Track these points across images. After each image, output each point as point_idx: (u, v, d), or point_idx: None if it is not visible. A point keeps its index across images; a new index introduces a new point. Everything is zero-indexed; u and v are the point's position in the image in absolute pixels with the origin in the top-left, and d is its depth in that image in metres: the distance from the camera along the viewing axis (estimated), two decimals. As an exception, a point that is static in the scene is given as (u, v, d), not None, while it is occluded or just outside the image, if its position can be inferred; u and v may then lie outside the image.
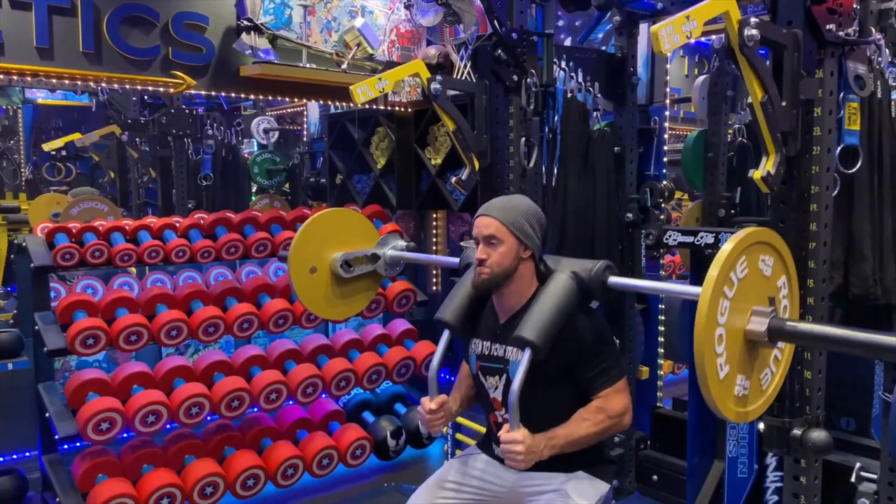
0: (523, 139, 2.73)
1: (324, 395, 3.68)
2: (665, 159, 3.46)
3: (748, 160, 3.49)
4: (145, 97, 5.58)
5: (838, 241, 2.16)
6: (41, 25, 3.26)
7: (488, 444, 2.30)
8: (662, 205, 3.44)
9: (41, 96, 7.99)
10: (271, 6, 3.93)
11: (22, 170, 8.10)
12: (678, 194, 4.97)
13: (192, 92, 4.09)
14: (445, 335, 2.22)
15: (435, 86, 2.50)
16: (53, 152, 7.82)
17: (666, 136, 3.41)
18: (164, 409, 3.12)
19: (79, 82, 3.42)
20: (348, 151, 4.97)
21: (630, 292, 3.23)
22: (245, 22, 3.66)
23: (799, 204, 1.90)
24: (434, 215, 4.69)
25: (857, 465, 2.56)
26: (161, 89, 3.66)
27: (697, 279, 2.80)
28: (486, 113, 2.67)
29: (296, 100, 4.91)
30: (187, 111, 5.30)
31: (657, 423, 3.43)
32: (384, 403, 4.05)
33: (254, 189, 5.90)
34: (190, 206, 5.41)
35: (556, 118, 2.86)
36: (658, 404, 3.58)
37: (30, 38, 3.25)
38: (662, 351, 3.67)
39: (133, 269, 3.98)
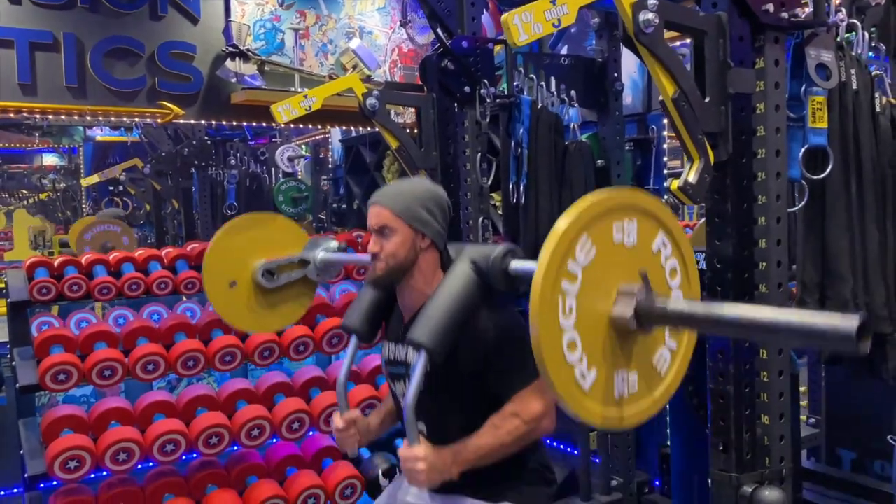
0: (479, 154, 2.51)
1: (313, 432, 3.53)
2: (666, 171, 3.14)
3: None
4: (176, 131, 5.66)
5: (811, 259, 1.83)
6: (23, 62, 3.31)
7: None
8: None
9: (100, 133, 8.33)
10: (262, 31, 3.88)
11: (83, 205, 8.43)
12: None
13: (215, 122, 4.08)
14: (353, 342, 2.02)
15: (371, 101, 2.33)
16: (111, 188, 8.12)
17: (665, 146, 3.10)
18: (136, 446, 3.03)
19: (63, 116, 3.44)
20: (363, 175, 4.88)
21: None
22: (230, 48, 3.61)
23: (737, 218, 1.60)
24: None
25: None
26: (148, 120, 3.65)
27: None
28: (435, 128, 2.47)
29: (319, 126, 4.86)
30: (209, 142, 5.34)
31: (665, 464, 3.09)
32: (384, 439, 3.84)
33: (281, 217, 5.88)
34: (219, 235, 5.42)
35: (521, 131, 2.63)
36: (667, 443, 3.22)
37: (12, 74, 3.30)
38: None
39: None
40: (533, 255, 2.73)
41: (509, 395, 1.80)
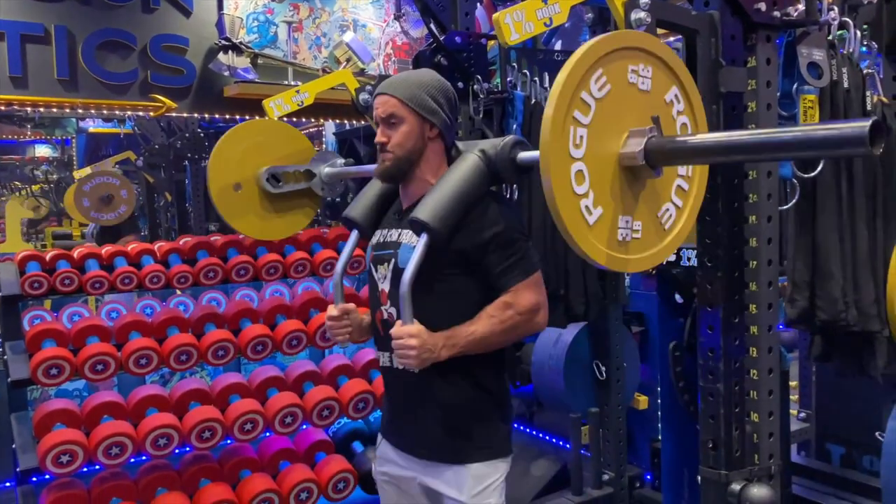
0: (473, 151, 2.50)
1: (306, 426, 3.54)
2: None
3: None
4: (169, 123, 5.63)
5: (801, 258, 1.84)
6: (14, 54, 3.28)
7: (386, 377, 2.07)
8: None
9: (93, 125, 8.28)
10: (255, 24, 3.86)
11: (78, 198, 8.36)
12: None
13: (208, 116, 4.07)
14: (353, 235, 2.01)
15: (364, 96, 2.33)
16: (105, 179, 8.05)
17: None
18: (129, 440, 3.03)
19: (55, 109, 3.42)
20: (356, 169, 4.85)
21: (615, 310, 2.93)
22: (223, 41, 3.59)
23: (728, 216, 1.60)
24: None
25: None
26: (140, 113, 3.63)
27: (665, 302, 2.50)
28: (429, 124, 2.46)
29: (312, 119, 4.84)
30: (202, 135, 5.32)
31: (656, 458, 3.10)
32: (377, 432, 3.85)
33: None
34: (213, 228, 5.41)
35: (514, 126, 2.62)
36: (658, 437, 3.24)
37: (3, 67, 3.27)
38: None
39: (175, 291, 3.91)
40: (526, 250, 2.74)
41: (506, 287, 1.79)
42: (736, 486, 1.60)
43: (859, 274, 1.81)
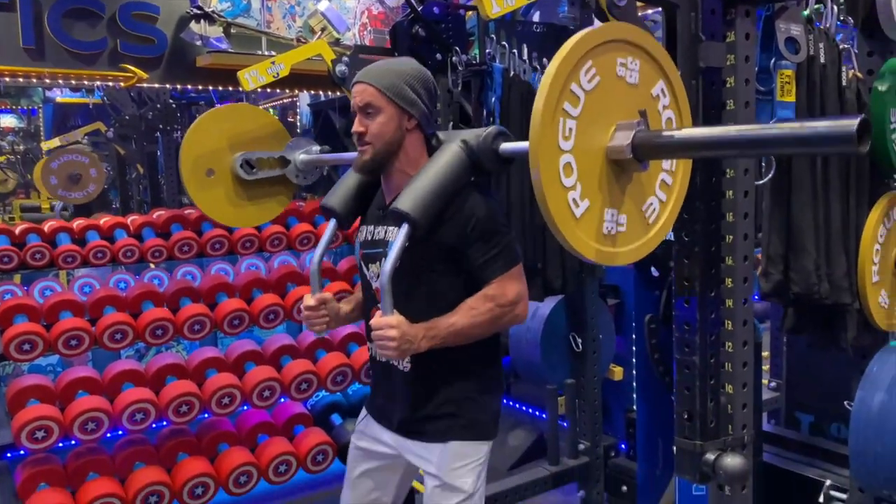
0: (451, 123, 2.49)
1: (284, 399, 3.54)
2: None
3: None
4: (140, 93, 5.52)
5: (776, 232, 1.86)
6: (-23, 22, 3.18)
7: (376, 372, 2.09)
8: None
9: (60, 95, 8.09)
10: (228, -8, 3.78)
11: (45, 169, 8.19)
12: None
13: (180, 86, 3.99)
14: (332, 224, 2.00)
15: (341, 68, 2.30)
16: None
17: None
18: (105, 415, 3.01)
19: (21, 79, 3.33)
20: (332, 141, 4.78)
21: (592, 283, 2.96)
22: (195, 10, 3.51)
23: (705, 192, 1.62)
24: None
25: (828, 482, 2.28)
26: (110, 83, 3.55)
27: (641, 275, 2.52)
28: (406, 97, 2.43)
29: (286, 90, 4.77)
30: (174, 105, 5.22)
31: (632, 428, 3.16)
32: (356, 405, 3.87)
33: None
34: (185, 201, 5.34)
35: (493, 99, 2.61)
36: (633, 407, 3.30)
37: (-35, 36, 3.18)
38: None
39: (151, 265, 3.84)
40: (504, 224, 2.75)
41: (487, 279, 1.81)
42: (710, 456, 1.64)
43: (832, 248, 1.84)
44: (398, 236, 1.72)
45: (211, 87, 3.95)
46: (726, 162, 1.63)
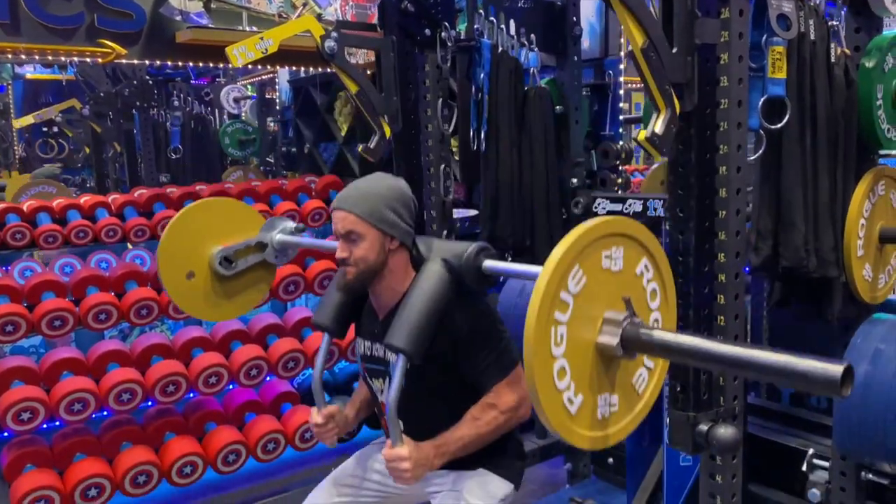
0: (441, 100, 2.48)
1: (271, 377, 3.54)
2: (622, 117, 3.17)
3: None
4: (115, 70, 5.41)
5: (766, 207, 1.89)
6: (-51, -4, 3.10)
7: None
8: (620, 167, 3.18)
9: (31, 71, 7.90)
10: (207, -34, 3.71)
11: (15, 147, 8.04)
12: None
13: (159, 62, 3.92)
14: (325, 339, 2.03)
15: (330, 44, 2.27)
16: (45, 129, 7.75)
17: (621, 91, 3.11)
18: (91, 396, 3.00)
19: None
20: (313, 118, 4.77)
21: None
22: (174, -16, 3.44)
23: (700, 167, 1.63)
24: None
25: (811, 451, 2.34)
26: (88, 59, 3.47)
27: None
28: (396, 72, 2.42)
29: (266, 66, 4.71)
30: (151, 82, 5.13)
31: (616, 401, 3.20)
32: (342, 383, 3.89)
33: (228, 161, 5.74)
34: (164, 179, 5.28)
35: (482, 76, 2.60)
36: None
37: (-63, 10, 3.09)
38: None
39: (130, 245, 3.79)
40: (493, 203, 2.75)
41: (487, 388, 1.86)
42: (703, 427, 1.67)
43: (820, 223, 1.87)
44: (396, 369, 1.76)
45: (191, 64, 3.88)
46: (720, 137, 1.65)
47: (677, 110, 1.56)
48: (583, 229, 1.27)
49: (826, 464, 2.25)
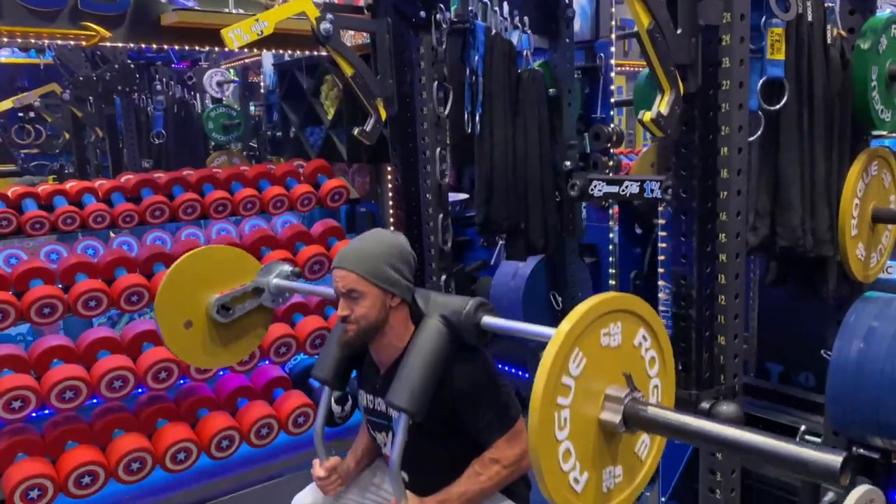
0: (436, 83, 2.47)
1: (264, 362, 3.54)
2: (613, 100, 3.17)
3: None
4: (95, 53, 5.32)
5: (764, 188, 1.91)
6: (-77, -24, 3.02)
7: None
8: (612, 150, 3.19)
9: (5, 55, 7.72)
10: (192, -53, 3.65)
11: (-8, 133, 7.88)
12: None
13: (143, 46, 3.85)
14: (325, 392, 2.05)
15: (325, 25, 2.25)
16: (21, 114, 7.60)
17: (613, 74, 3.12)
18: (83, 384, 2.97)
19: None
20: (299, 102, 4.71)
21: (571, 243, 3.01)
22: (159, -35, 3.38)
23: (703, 148, 1.65)
24: (389, 168, 4.44)
25: (802, 427, 2.38)
26: (72, 42, 3.41)
27: (625, 233, 2.57)
28: (391, 55, 2.41)
29: (252, 49, 4.64)
30: (132, 66, 5.05)
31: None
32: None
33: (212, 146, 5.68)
34: (147, 165, 5.21)
35: (476, 58, 2.59)
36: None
37: (-87, -9, 3.01)
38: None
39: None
40: (488, 187, 2.76)
41: (488, 443, 1.88)
42: (706, 405, 1.70)
43: (816, 203, 1.90)
44: (399, 429, 1.78)
45: (176, 47, 3.83)
46: (722, 119, 1.66)
47: (681, 91, 1.57)
48: (581, 310, 1.28)
49: (818, 440, 2.30)
